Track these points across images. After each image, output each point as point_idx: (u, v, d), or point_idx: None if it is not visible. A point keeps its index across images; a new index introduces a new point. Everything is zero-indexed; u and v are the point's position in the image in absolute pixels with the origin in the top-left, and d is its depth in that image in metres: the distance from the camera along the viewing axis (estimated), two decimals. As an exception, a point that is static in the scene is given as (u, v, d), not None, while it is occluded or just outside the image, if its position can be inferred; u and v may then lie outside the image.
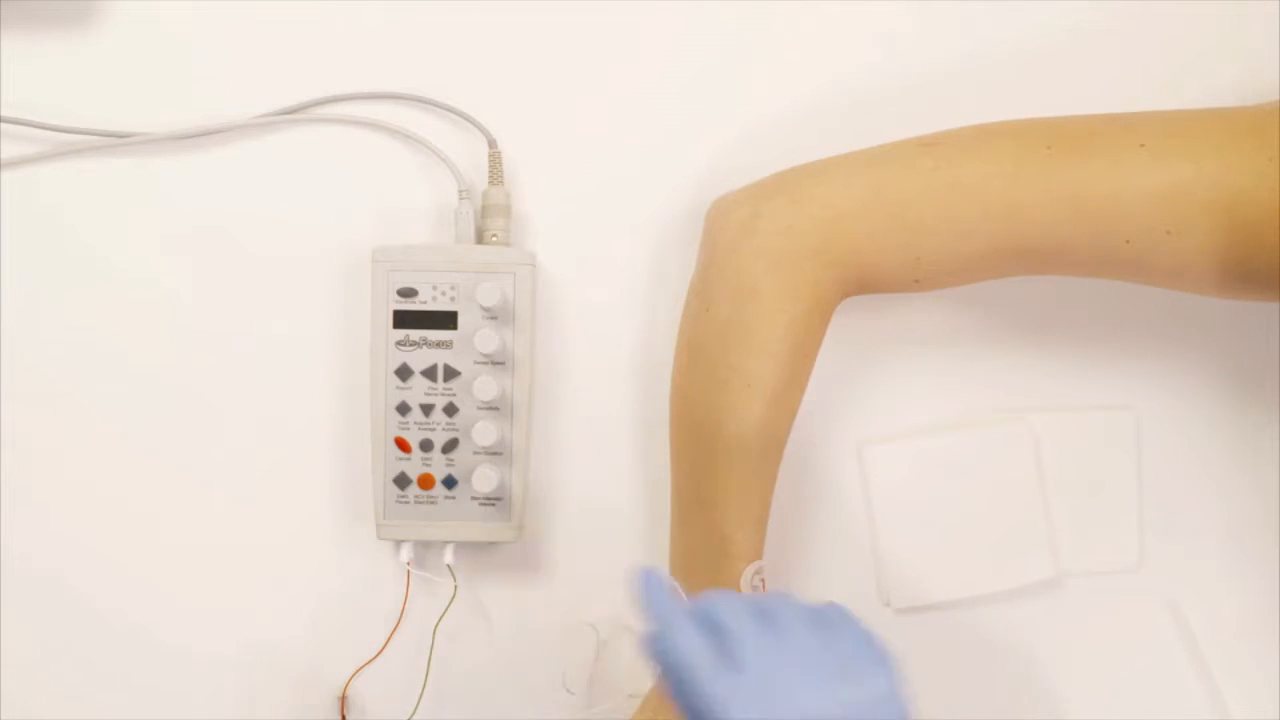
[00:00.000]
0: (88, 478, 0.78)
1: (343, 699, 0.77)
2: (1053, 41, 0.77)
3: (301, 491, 0.78)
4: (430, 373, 0.73)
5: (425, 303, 0.73)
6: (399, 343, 0.73)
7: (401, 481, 0.74)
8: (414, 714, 0.75)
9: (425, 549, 0.76)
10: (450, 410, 0.73)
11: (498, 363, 0.74)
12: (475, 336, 0.72)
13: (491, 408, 0.74)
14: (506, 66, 0.77)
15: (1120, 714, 0.78)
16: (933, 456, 0.77)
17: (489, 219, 0.75)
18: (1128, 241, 0.63)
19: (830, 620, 0.57)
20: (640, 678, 0.78)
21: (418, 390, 0.74)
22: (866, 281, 0.69)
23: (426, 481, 0.74)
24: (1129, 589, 0.78)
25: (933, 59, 0.77)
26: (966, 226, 0.65)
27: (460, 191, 0.75)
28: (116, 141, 0.77)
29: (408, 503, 0.74)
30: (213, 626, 0.78)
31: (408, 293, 0.73)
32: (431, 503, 0.74)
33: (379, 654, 0.77)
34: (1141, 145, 0.63)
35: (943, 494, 0.77)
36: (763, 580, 0.73)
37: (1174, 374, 0.78)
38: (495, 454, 0.74)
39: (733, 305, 0.69)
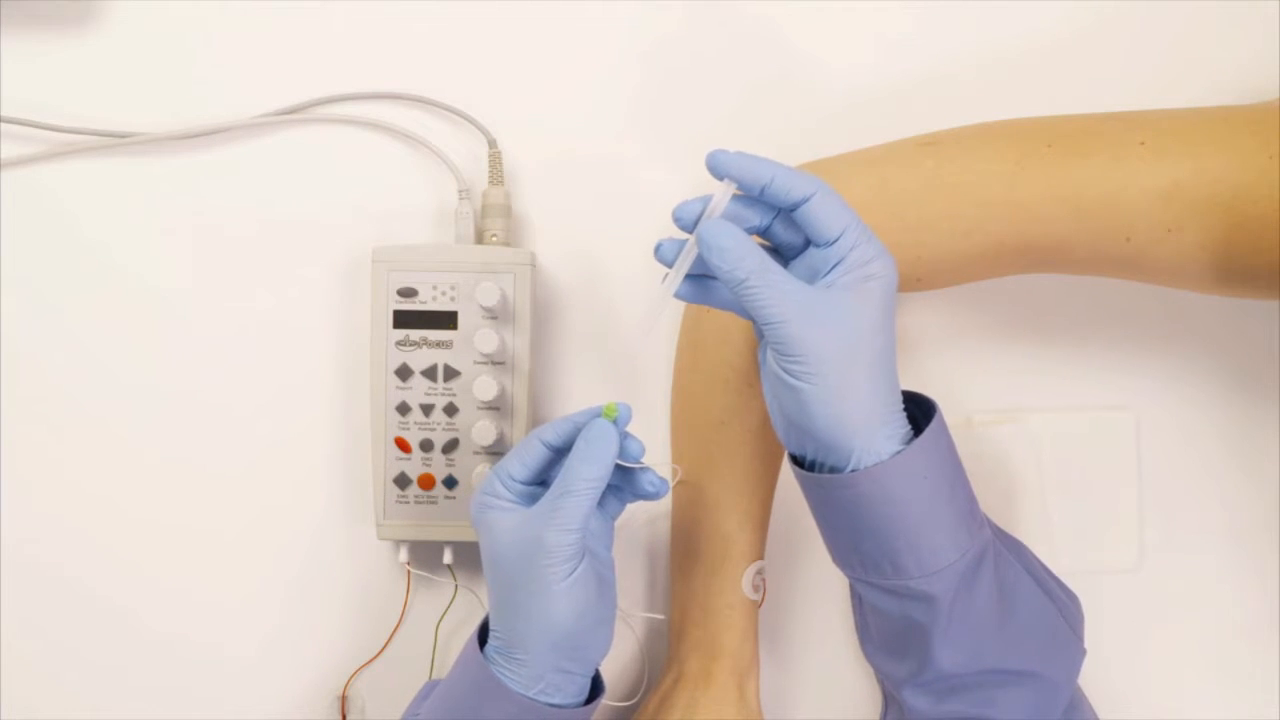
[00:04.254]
0: (87, 477, 0.78)
1: (343, 699, 0.77)
2: (1053, 41, 0.77)
3: (302, 491, 0.78)
4: (430, 373, 0.73)
5: (425, 303, 0.73)
6: (399, 343, 0.73)
7: (401, 481, 0.74)
8: (414, 714, 0.74)
9: (425, 549, 0.76)
10: (450, 410, 0.73)
11: (498, 363, 0.74)
12: (475, 336, 0.72)
13: (491, 408, 0.74)
14: (506, 66, 0.77)
15: (1120, 713, 0.78)
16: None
17: (489, 219, 0.75)
18: (1128, 239, 0.63)
19: None
20: (637, 676, 0.78)
21: (418, 390, 0.73)
22: (867, 280, 0.69)
23: (426, 481, 0.74)
24: (1129, 589, 0.78)
25: (933, 59, 0.77)
26: (967, 225, 0.65)
27: (460, 191, 0.75)
28: (116, 141, 0.77)
29: (408, 503, 0.74)
30: (213, 626, 0.78)
31: (408, 293, 0.73)
32: (431, 503, 0.74)
33: (379, 654, 0.77)
34: (1142, 143, 0.63)
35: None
36: (763, 580, 0.73)
37: (1174, 374, 0.78)
38: (495, 454, 0.74)
39: (734, 305, 0.69)
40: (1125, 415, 0.78)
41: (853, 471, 0.58)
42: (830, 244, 0.58)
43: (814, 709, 0.78)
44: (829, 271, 0.58)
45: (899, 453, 0.58)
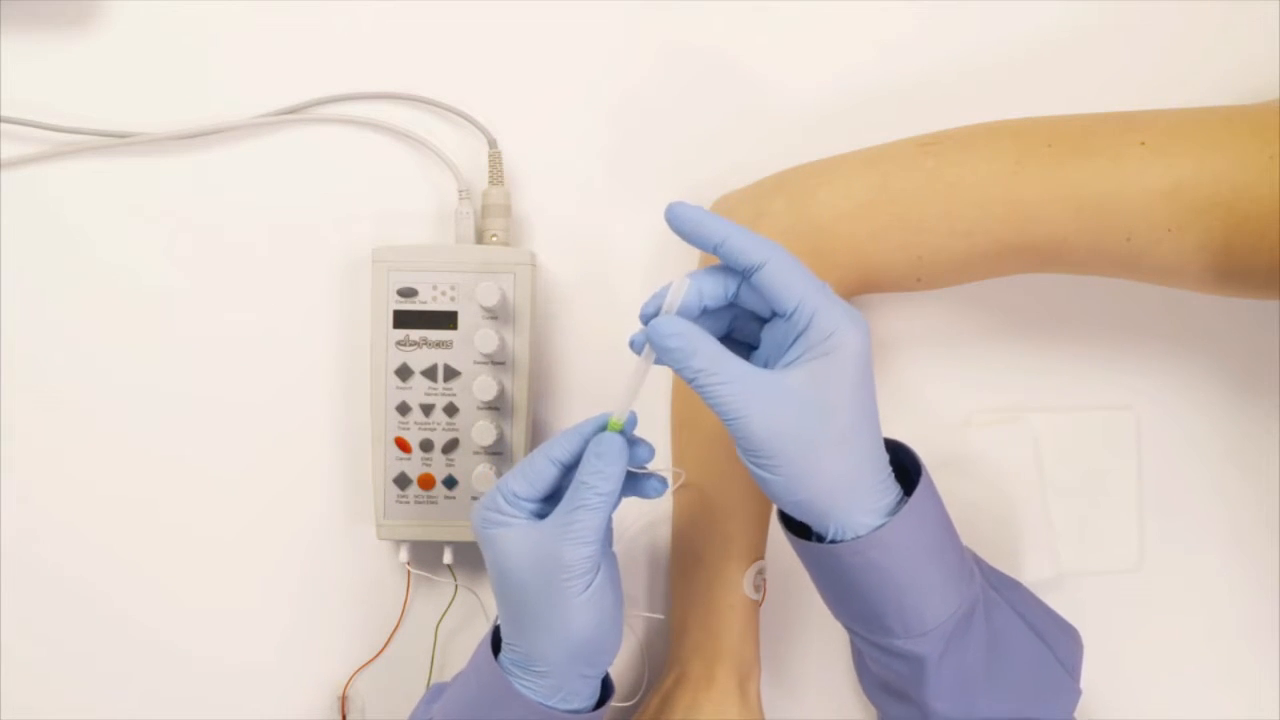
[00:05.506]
0: (87, 477, 0.78)
1: (343, 699, 0.77)
2: (1053, 41, 0.77)
3: (302, 491, 0.78)
4: (430, 373, 0.73)
5: (425, 303, 0.73)
6: (399, 343, 0.73)
7: (401, 481, 0.74)
8: (414, 714, 0.74)
9: (425, 549, 0.76)
10: (450, 410, 0.73)
11: (498, 362, 0.74)
12: (475, 336, 0.72)
13: (491, 408, 0.74)
14: (506, 66, 0.77)
15: (1120, 713, 0.78)
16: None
17: (489, 219, 0.75)
18: (1128, 239, 0.63)
19: None
20: (638, 676, 0.78)
21: (418, 390, 0.73)
22: (868, 281, 0.69)
23: (426, 481, 0.74)
24: (1129, 589, 0.78)
25: (933, 59, 0.77)
26: (967, 225, 0.65)
27: (460, 191, 0.75)
28: (116, 141, 0.77)
29: (408, 503, 0.74)
30: (213, 626, 0.78)
31: (408, 293, 0.73)
32: (431, 503, 0.74)
33: (379, 654, 0.77)
34: (1142, 143, 0.63)
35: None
36: (764, 580, 0.73)
37: (1174, 374, 0.78)
38: (495, 454, 0.74)
39: (734, 305, 0.69)
40: (1125, 415, 0.78)
41: (834, 543, 0.58)
42: (787, 316, 0.56)
43: (815, 709, 0.78)
44: (790, 345, 0.56)
45: (880, 527, 0.57)
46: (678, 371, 0.56)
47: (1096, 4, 0.77)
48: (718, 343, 0.56)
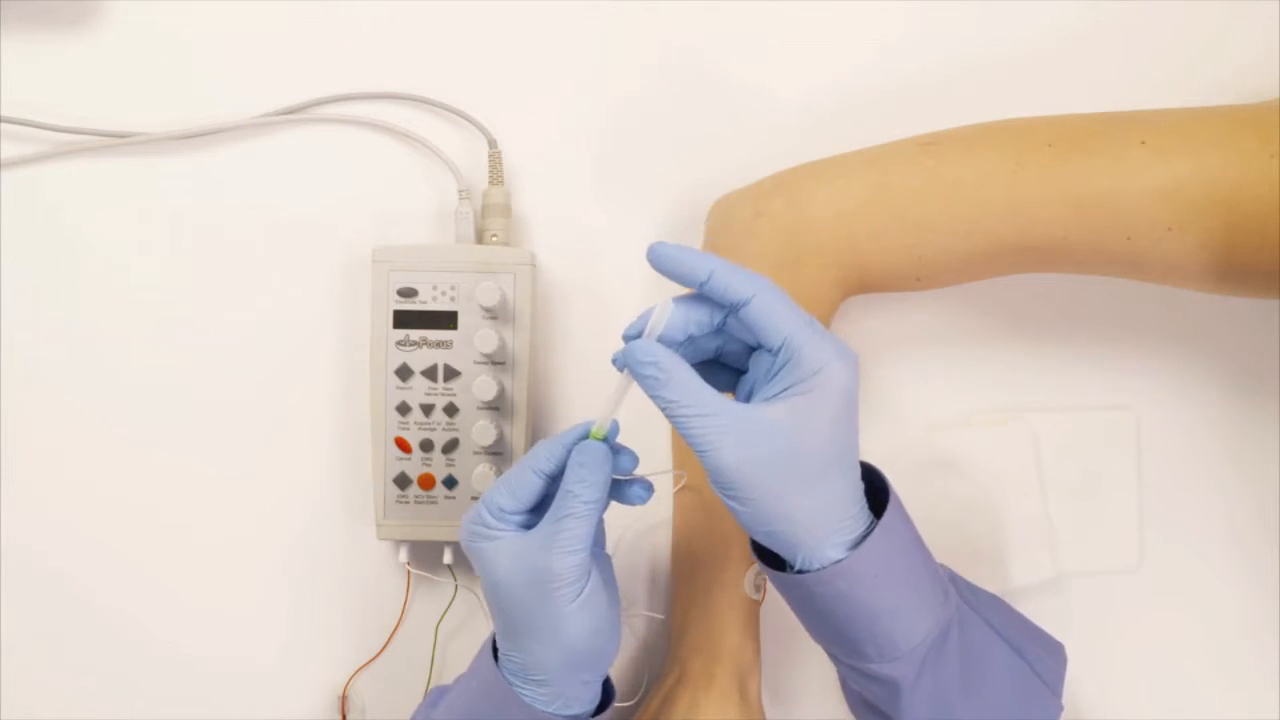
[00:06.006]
0: (87, 478, 0.78)
1: (343, 699, 0.77)
2: (1052, 41, 0.77)
3: (302, 492, 0.78)
4: (430, 373, 0.73)
5: (425, 303, 0.73)
6: (399, 343, 0.73)
7: (401, 481, 0.74)
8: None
9: (425, 549, 0.76)
10: (450, 410, 0.73)
11: (498, 363, 0.74)
12: (475, 336, 0.72)
13: (491, 408, 0.74)
14: (506, 66, 0.78)
15: (1120, 713, 0.78)
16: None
17: (489, 219, 0.75)
18: (1129, 238, 0.63)
19: None
20: (638, 676, 0.78)
21: (418, 390, 0.73)
22: (868, 280, 0.69)
23: (426, 481, 0.74)
24: (1129, 589, 0.78)
25: (932, 59, 0.77)
26: (968, 225, 0.65)
27: (460, 191, 0.75)
28: (116, 141, 0.77)
29: (408, 503, 0.74)
30: (213, 626, 0.78)
31: (408, 293, 0.73)
32: (431, 503, 0.74)
33: (379, 654, 0.77)
34: (1142, 142, 0.63)
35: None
36: (764, 580, 0.73)
37: (1174, 374, 0.78)
38: (495, 454, 0.74)
39: (734, 305, 0.69)
40: (1125, 415, 0.78)
41: (801, 572, 0.57)
42: (774, 351, 0.55)
43: (814, 709, 0.78)
44: (774, 377, 0.56)
45: (841, 560, 0.56)
46: (650, 399, 0.55)
47: (1097, 4, 0.77)
48: (694, 373, 0.55)
